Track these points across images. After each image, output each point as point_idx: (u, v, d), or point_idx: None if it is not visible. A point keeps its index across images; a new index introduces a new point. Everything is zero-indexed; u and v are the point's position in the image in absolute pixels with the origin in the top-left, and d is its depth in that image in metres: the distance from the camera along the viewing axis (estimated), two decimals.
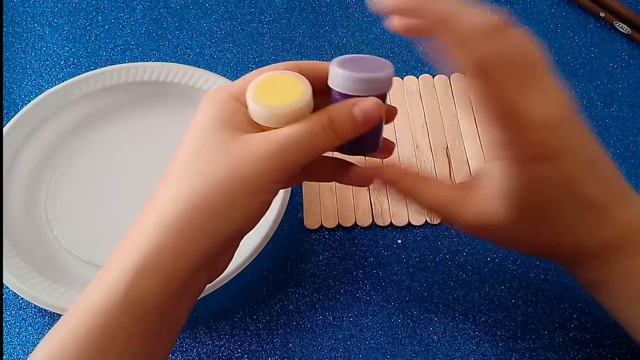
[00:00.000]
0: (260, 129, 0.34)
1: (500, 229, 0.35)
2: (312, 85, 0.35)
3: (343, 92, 0.34)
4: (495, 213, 0.35)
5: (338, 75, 0.34)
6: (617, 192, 0.35)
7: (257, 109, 0.34)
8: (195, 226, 0.32)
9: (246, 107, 0.35)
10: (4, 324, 0.47)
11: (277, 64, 0.36)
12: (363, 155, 0.42)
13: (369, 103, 0.34)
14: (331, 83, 0.35)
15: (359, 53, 0.60)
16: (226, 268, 0.37)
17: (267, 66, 0.36)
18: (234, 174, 0.32)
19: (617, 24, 0.60)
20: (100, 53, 0.61)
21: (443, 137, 0.54)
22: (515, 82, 0.32)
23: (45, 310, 0.47)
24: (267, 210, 0.34)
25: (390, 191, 0.39)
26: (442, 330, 0.46)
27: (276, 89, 0.34)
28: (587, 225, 0.35)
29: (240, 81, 0.36)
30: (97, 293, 0.31)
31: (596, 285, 0.37)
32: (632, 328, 0.37)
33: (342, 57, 0.35)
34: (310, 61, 0.37)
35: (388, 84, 0.35)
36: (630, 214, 0.35)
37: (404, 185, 0.38)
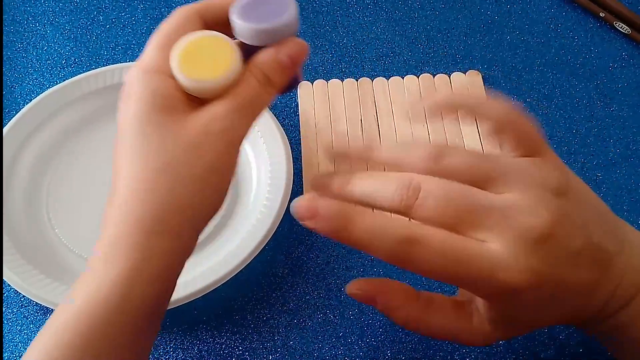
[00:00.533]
0: (198, 99, 0.33)
1: (514, 334, 0.35)
2: (214, 24, 0.34)
3: (254, 44, 0.34)
4: (498, 332, 0.34)
5: (242, 28, 0.33)
6: (611, 251, 0.33)
7: (189, 84, 0.32)
8: (174, 224, 0.31)
9: (173, 78, 0.33)
10: (5, 322, 0.47)
11: (176, 14, 0.34)
12: (289, 91, 0.42)
13: (292, 46, 0.34)
14: (238, 35, 0.34)
15: (358, 53, 0.60)
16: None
17: (167, 21, 0.34)
18: (197, 162, 0.31)
19: (617, 24, 0.60)
20: (102, 52, 0.61)
21: (443, 136, 0.54)
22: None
23: (46, 307, 0.47)
24: (234, 170, 0.34)
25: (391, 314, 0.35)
26: None
27: (202, 56, 0.33)
28: (582, 300, 0.33)
29: (149, 51, 0.34)
30: (89, 299, 0.30)
31: (603, 334, 0.36)
32: None
33: (239, 3, 0.34)
34: (207, 2, 0.35)
35: (295, 24, 0.34)
36: (622, 261, 0.33)
37: (407, 313, 0.34)
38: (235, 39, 0.34)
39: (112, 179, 0.33)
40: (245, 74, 0.33)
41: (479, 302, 0.34)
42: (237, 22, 0.33)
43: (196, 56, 0.33)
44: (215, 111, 0.32)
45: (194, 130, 0.32)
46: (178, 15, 0.35)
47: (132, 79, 0.34)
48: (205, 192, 0.32)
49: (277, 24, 0.33)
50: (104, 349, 0.30)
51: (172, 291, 0.33)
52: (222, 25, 0.35)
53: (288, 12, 0.33)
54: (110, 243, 0.31)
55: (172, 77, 0.33)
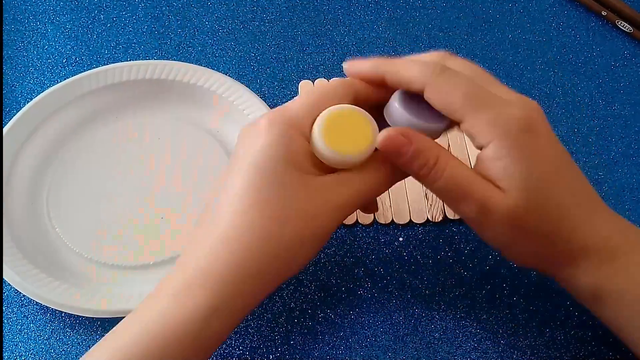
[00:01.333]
0: (323, 164, 0.35)
1: (511, 213, 0.35)
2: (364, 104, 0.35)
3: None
4: (505, 196, 0.34)
5: (400, 116, 0.35)
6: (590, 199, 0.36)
7: (328, 154, 0.34)
8: (267, 272, 0.33)
9: (307, 140, 0.34)
10: (5, 321, 0.47)
11: (335, 83, 0.36)
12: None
13: (425, 148, 0.35)
14: (388, 117, 0.36)
15: (360, 52, 0.60)
16: None
17: (321, 85, 0.37)
18: (308, 225, 0.33)
19: (619, 23, 0.60)
20: (102, 51, 0.61)
21: (444, 136, 0.54)
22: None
23: (47, 307, 0.47)
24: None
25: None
26: (444, 328, 0.46)
27: (344, 128, 0.34)
28: (583, 211, 0.35)
29: (298, 105, 0.35)
30: (164, 325, 0.31)
31: (595, 297, 0.37)
32: (633, 338, 0.37)
33: (402, 92, 0.36)
34: (363, 83, 0.37)
35: (439, 135, 0.36)
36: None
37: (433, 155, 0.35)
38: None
39: (215, 202, 0.34)
40: (378, 160, 0.35)
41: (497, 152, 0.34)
42: (397, 108, 0.35)
43: (339, 128, 0.34)
44: (341, 186, 0.34)
45: (315, 195, 0.33)
46: (336, 83, 0.36)
47: (272, 121, 0.34)
48: (301, 253, 0.33)
49: (432, 127, 0.35)
50: None
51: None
52: (367, 107, 0.36)
53: (444, 123, 0.35)
54: (202, 273, 0.32)
55: (308, 139, 0.34)
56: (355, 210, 0.35)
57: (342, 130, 0.34)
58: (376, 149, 0.35)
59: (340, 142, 0.34)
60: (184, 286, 0.32)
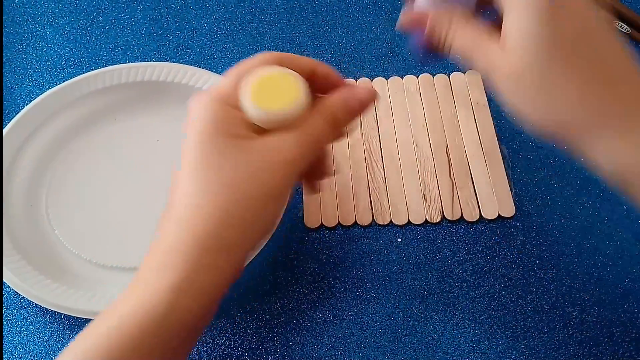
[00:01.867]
0: (261, 130, 0.34)
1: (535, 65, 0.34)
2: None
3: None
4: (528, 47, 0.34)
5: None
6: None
7: (258, 113, 0.34)
8: (228, 243, 0.32)
9: (238, 109, 0.34)
10: (4, 323, 0.47)
11: (257, 57, 0.36)
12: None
13: (365, 93, 0.36)
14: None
15: (358, 53, 0.60)
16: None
17: (247, 60, 0.36)
18: (257, 187, 0.32)
19: (617, 24, 0.60)
20: (101, 53, 0.61)
21: (443, 136, 0.54)
22: None
23: (46, 309, 0.47)
24: (287, 200, 0.35)
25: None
26: (442, 329, 0.46)
27: (272, 88, 0.34)
28: (608, 73, 0.33)
29: (226, 82, 0.35)
30: (131, 314, 0.31)
31: (623, 173, 0.35)
32: None
33: None
34: (288, 54, 0.37)
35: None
36: None
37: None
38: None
39: (170, 195, 0.34)
40: (313, 112, 0.34)
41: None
42: None
43: (267, 88, 0.34)
44: (280, 142, 0.33)
45: (257, 156, 0.33)
46: (259, 56, 0.36)
47: (199, 104, 0.35)
48: (259, 216, 0.33)
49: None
50: (144, 358, 0.30)
51: (215, 311, 0.34)
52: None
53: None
54: (163, 255, 0.32)
55: (238, 109, 0.34)
56: (305, 164, 0.34)
57: (270, 90, 0.34)
58: (312, 106, 0.35)
59: (269, 100, 0.34)
60: (141, 276, 0.32)
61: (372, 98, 0.36)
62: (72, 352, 0.31)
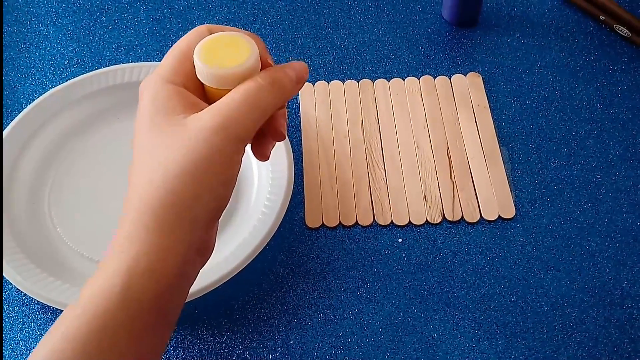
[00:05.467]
0: (204, 97, 0.35)
1: None
2: None
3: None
4: None
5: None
6: None
7: (208, 72, 0.34)
8: (173, 221, 0.32)
9: (180, 85, 0.34)
10: (6, 320, 0.47)
11: (192, 31, 0.36)
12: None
13: (300, 66, 0.36)
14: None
15: (360, 55, 0.61)
16: (214, 244, 0.36)
17: (184, 37, 0.36)
18: (191, 159, 0.32)
19: (617, 27, 0.61)
20: (104, 53, 0.62)
21: (444, 137, 0.55)
22: None
23: (47, 306, 0.47)
24: (236, 179, 0.34)
25: None
26: (442, 328, 0.46)
27: (223, 49, 0.34)
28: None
29: (167, 61, 0.35)
30: (93, 296, 0.31)
31: None
32: None
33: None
34: (220, 25, 0.37)
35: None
36: None
37: None
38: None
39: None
40: (253, 77, 0.34)
41: None
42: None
43: (217, 49, 0.34)
44: (214, 107, 0.33)
45: (190, 126, 0.32)
46: (193, 31, 0.36)
47: (142, 87, 0.35)
48: (204, 188, 0.32)
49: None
50: (106, 341, 0.30)
51: (182, 291, 0.34)
52: None
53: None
54: (117, 241, 0.32)
55: (180, 85, 0.34)
56: (246, 127, 0.33)
57: (220, 51, 0.34)
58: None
59: (219, 59, 0.34)
60: (102, 262, 0.32)
61: (306, 73, 0.36)
62: (42, 346, 0.31)
